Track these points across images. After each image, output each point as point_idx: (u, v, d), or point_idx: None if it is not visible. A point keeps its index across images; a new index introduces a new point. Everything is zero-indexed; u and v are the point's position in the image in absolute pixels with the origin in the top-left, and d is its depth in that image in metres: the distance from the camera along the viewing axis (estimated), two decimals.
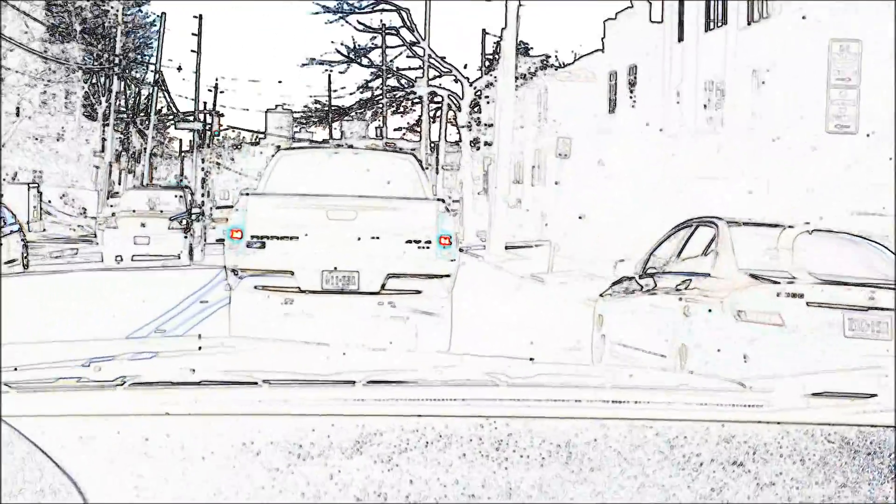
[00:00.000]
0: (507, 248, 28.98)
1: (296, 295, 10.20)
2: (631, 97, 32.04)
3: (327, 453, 2.40)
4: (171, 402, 2.46)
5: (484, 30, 43.86)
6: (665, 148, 28.63)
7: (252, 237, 10.20)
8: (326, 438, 2.41)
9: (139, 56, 42.66)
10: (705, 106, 27.53)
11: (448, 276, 10.38)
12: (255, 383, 2.57)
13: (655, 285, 9.51)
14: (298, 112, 51.13)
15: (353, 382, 2.63)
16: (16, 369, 2.60)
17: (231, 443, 2.38)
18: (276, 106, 50.96)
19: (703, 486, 2.45)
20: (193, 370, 2.64)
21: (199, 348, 2.91)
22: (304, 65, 46.63)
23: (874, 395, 2.59)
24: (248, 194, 10.78)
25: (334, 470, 2.38)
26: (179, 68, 46.87)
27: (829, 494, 2.48)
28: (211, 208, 42.81)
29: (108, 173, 40.51)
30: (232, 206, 11.29)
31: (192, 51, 44.46)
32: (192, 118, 44.44)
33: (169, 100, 44.94)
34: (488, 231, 29.92)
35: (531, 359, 2.89)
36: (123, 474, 2.33)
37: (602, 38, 33.48)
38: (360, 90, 47.42)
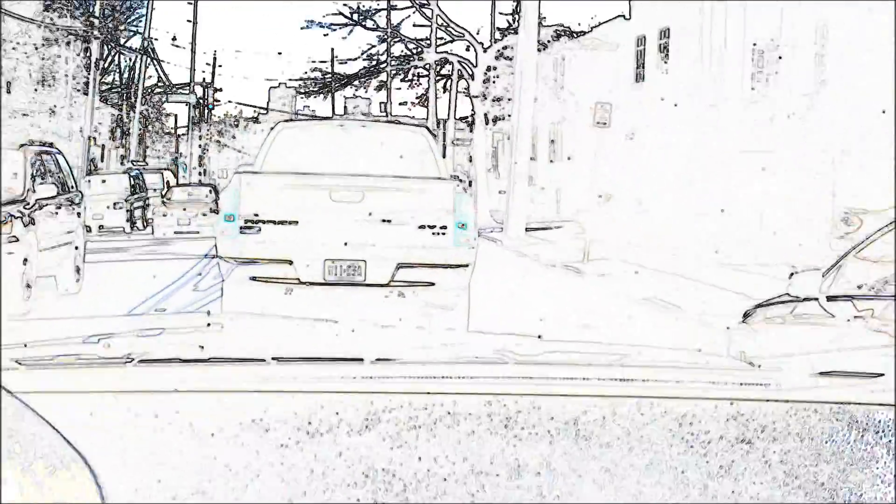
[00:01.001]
0: (526, 230, 29.13)
1: (295, 286, 10.01)
2: (663, 64, 32.09)
3: (336, 430, 2.67)
4: (180, 378, 2.74)
5: None
6: (705, 119, 28.61)
7: (246, 221, 10.01)
8: (335, 415, 2.68)
9: (128, 24, 42.89)
10: (753, 72, 27.42)
11: (466, 265, 10.18)
12: (264, 360, 2.84)
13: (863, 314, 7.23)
14: (297, 80, 51.29)
15: (362, 360, 2.90)
16: (25, 345, 2.89)
17: (240, 419, 2.66)
18: (280, 84, 51.22)
19: (713, 464, 2.72)
20: (202, 347, 2.92)
21: (208, 325, 3.19)
22: (303, 27, 46.68)
23: (881, 375, 2.85)
24: (241, 172, 10.55)
25: (343, 447, 2.65)
26: (174, 38, 47.05)
27: (836, 473, 2.75)
28: (164, 190, 35.45)
29: (87, 149, 40.81)
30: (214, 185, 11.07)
31: (188, 20, 44.77)
32: (185, 90, 44.67)
33: (161, 71, 45.14)
34: (507, 211, 30.04)
35: (539, 336, 3.16)
36: (132, 450, 2.61)
37: (629, 1, 33.52)
38: (364, 56, 47.51)
